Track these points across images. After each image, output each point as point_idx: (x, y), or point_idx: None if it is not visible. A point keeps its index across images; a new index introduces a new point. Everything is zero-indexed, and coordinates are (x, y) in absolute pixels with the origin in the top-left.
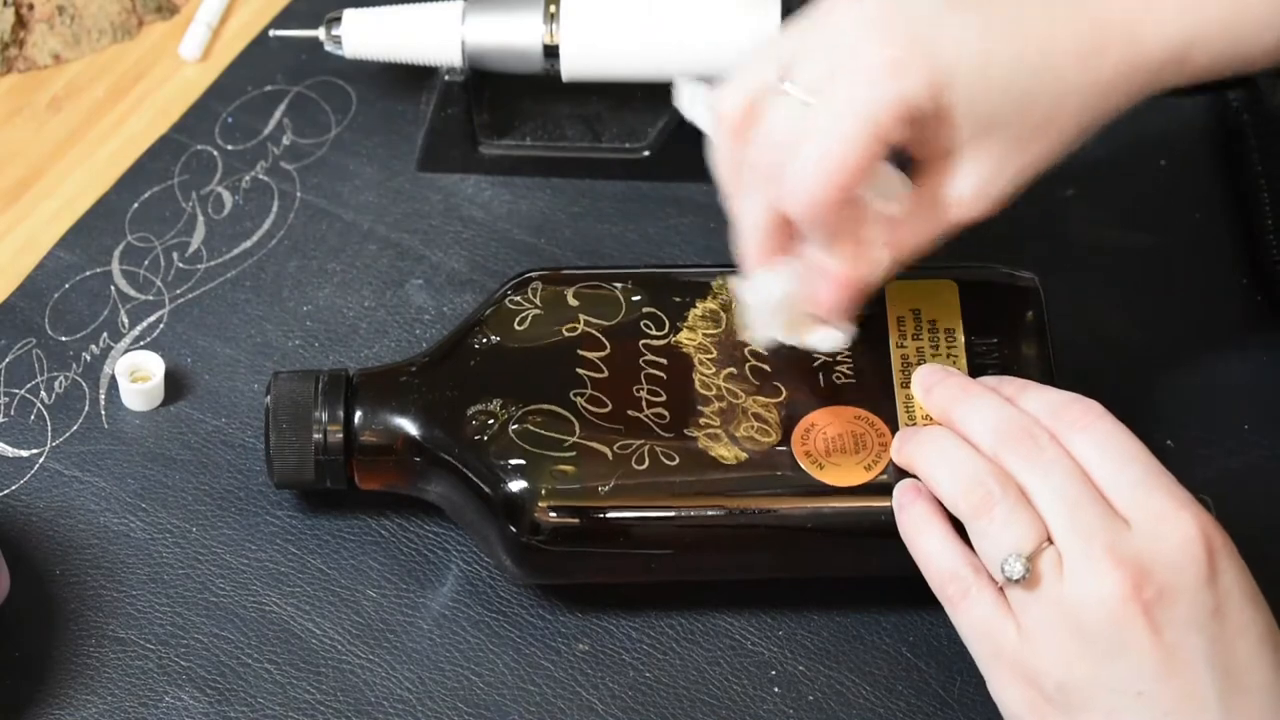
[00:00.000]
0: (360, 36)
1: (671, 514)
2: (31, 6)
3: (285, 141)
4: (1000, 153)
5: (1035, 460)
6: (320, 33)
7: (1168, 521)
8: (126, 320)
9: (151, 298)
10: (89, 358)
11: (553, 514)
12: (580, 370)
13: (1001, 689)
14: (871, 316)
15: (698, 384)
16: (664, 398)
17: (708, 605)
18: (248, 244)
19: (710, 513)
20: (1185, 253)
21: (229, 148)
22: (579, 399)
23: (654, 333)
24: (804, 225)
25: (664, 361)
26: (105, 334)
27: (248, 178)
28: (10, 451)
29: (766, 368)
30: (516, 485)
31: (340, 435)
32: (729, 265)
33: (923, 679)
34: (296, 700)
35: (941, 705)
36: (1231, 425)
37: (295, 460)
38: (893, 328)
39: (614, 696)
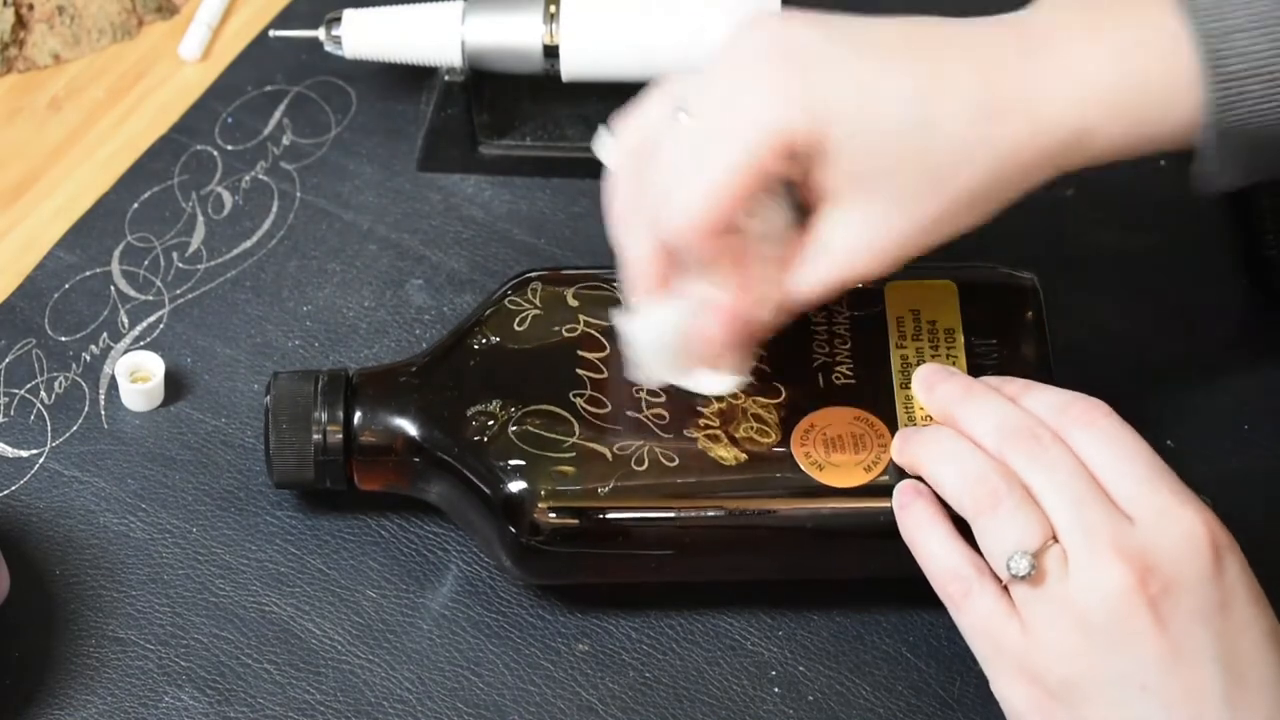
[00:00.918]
0: (360, 36)
1: (671, 515)
2: (31, 6)
3: (285, 141)
4: (885, 207)
5: (1039, 458)
6: (320, 33)
7: (1172, 517)
8: (126, 320)
9: (151, 298)
10: (89, 358)
11: (552, 515)
12: (580, 371)
13: (1005, 687)
14: (871, 317)
15: None
16: (663, 398)
17: (708, 605)
18: (248, 244)
19: (710, 514)
20: (1185, 253)
21: (229, 148)
22: (578, 400)
23: None
24: (683, 252)
25: None
26: (105, 334)
27: (248, 178)
28: (10, 451)
29: (766, 369)
30: (516, 486)
31: (340, 435)
32: None
33: (923, 679)
34: (296, 700)
35: (941, 705)
36: (1231, 425)
37: (295, 460)
38: (892, 328)
39: (614, 696)
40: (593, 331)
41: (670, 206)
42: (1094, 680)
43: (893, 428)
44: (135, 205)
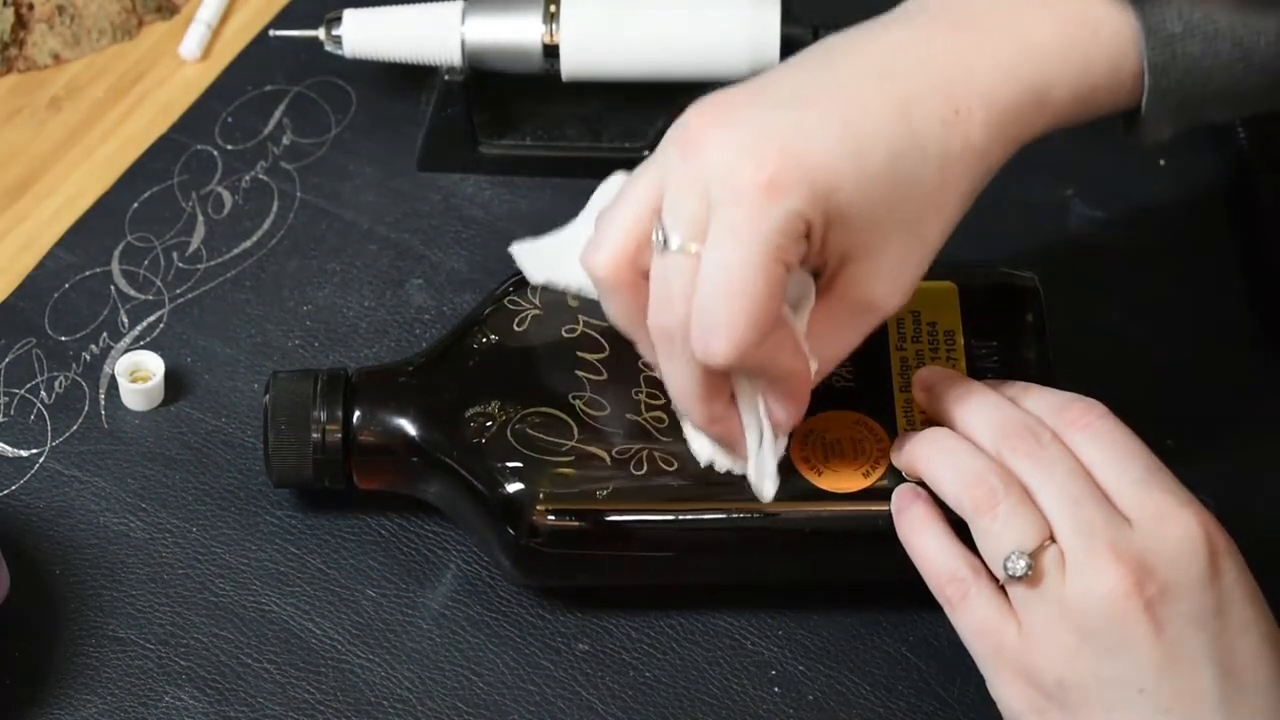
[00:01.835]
0: (360, 36)
1: (669, 518)
2: (31, 6)
3: (285, 141)
4: (900, 240)
5: (1038, 459)
6: (320, 33)
7: (1170, 520)
8: (126, 320)
9: (151, 298)
10: (89, 358)
11: (551, 517)
12: (579, 372)
13: (1002, 688)
14: None
15: None
16: (663, 401)
17: (708, 605)
18: (248, 244)
19: (708, 517)
20: (1185, 253)
21: (229, 148)
22: (577, 402)
23: None
24: (736, 370)
25: None
26: (105, 334)
27: (248, 178)
28: (10, 451)
29: None
30: (514, 488)
31: (338, 435)
32: None
33: (923, 679)
34: (296, 700)
35: (941, 705)
36: (1231, 425)
37: (294, 459)
38: (892, 330)
39: (614, 696)
40: (592, 332)
41: (706, 336)
42: (1090, 683)
43: (892, 432)
44: (135, 205)
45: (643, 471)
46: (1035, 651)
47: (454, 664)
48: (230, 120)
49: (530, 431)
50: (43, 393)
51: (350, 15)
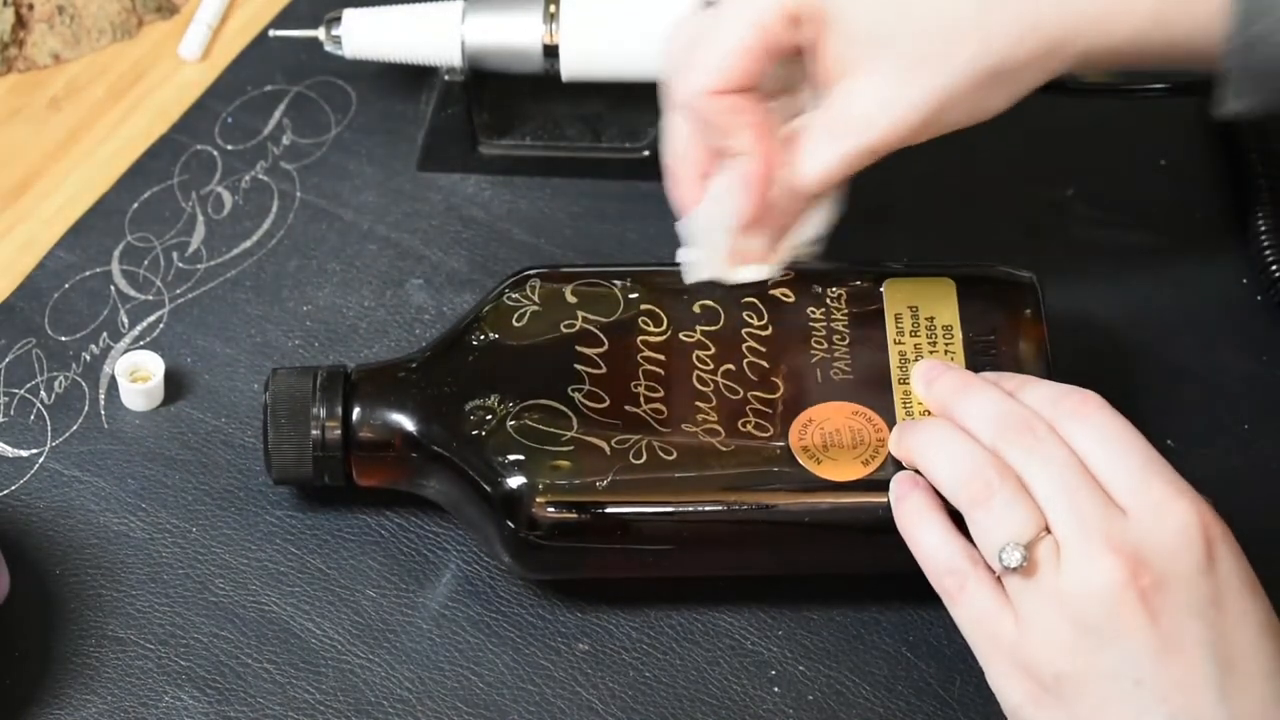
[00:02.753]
0: (360, 36)
1: (669, 509)
2: (31, 6)
3: (285, 141)
4: (892, 75)
5: (1033, 450)
6: (320, 33)
7: (1165, 510)
8: (126, 320)
9: (151, 298)
10: (89, 358)
11: (551, 509)
12: (578, 366)
13: (1000, 680)
14: (869, 313)
15: (696, 379)
16: (662, 393)
17: (708, 605)
18: (247, 244)
19: (708, 508)
20: (1185, 253)
21: (229, 148)
22: (577, 395)
23: (652, 329)
24: (698, 121)
25: (662, 357)
26: (105, 334)
27: (248, 178)
28: (10, 451)
29: (764, 364)
30: (514, 481)
31: (338, 431)
32: None
33: (923, 679)
34: (296, 700)
35: (941, 705)
36: (1231, 425)
37: (293, 456)
38: (890, 324)
39: (614, 696)
40: (591, 328)
41: (689, 72)
42: (1087, 674)
43: (890, 423)
44: (135, 205)
45: (642, 462)
46: (1032, 643)
47: (454, 664)
48: (230, 120)
49: (530, 424)
50: (43, 393)
51: (350, 15)
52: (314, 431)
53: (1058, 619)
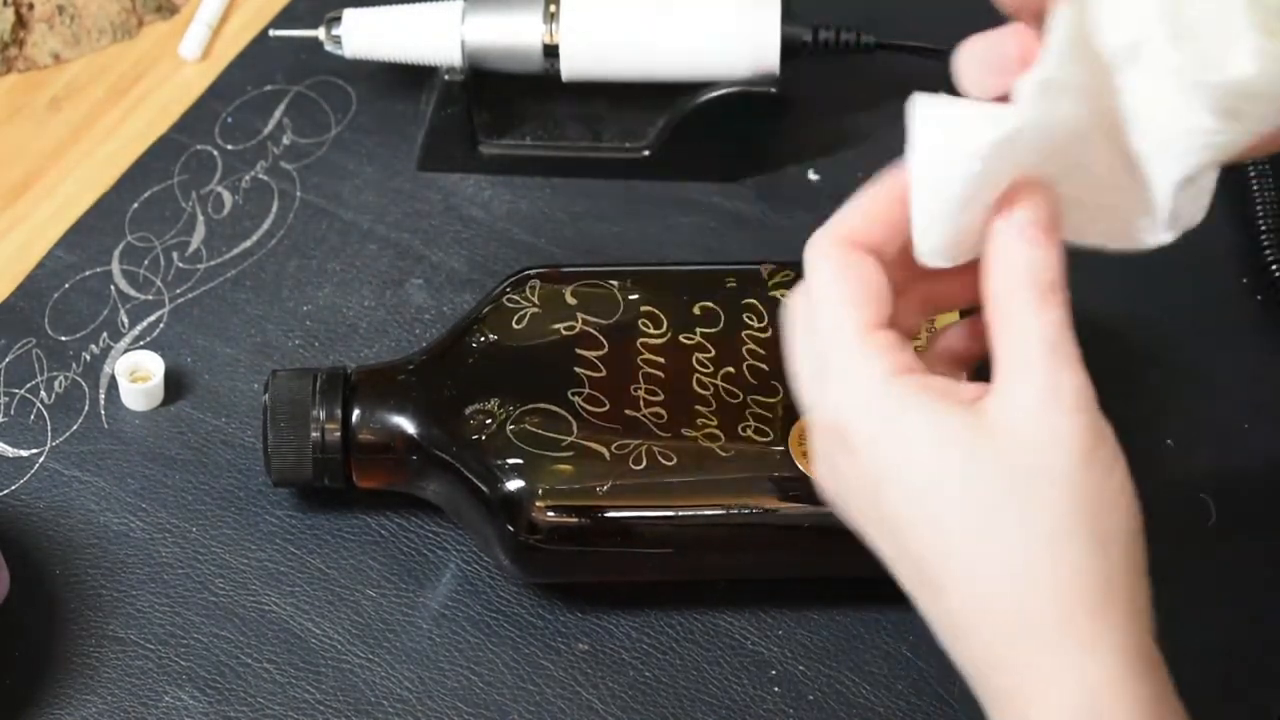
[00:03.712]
0: (360, 36)
1: (669, 514)
2: (31, 6)
3: (285, 141)
4: None
5: None
6: (320, 33)
7: None
8: (126, 320)
9: (151, 297)
10: (89, 357)
11: (550, 513)
12: (578, 369)
13: None
14: None
15: (695, 383)
16: (662, 397)
17: (708, 605)
18: (248, 244)
19: (708, 512)
20: (1185, 253)
21: (229, 147)
22: (576, 398)
23: (652, 331)
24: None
25: (662, 360)
26: (105, 334)
27: (248, 177)
28: (10, 451)
29: (764, 367)
30: (514, 485)
31: (338, 433)
32: (728, 264)
33: (923, 678)
34: (296, 700)
35: (941, 705)
36: (1231, 424)
37: (293, 458)
38: None
39: (614, 696)
40: (591, 330)
41: None
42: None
43: None
44: (135, 205)
45: (642, 467)
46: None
47: (454, 664)
48: (230, 120)
49: (530, 428)
50: (43, 393)
51: (350, 15)
52: (314, 434)
53: None
